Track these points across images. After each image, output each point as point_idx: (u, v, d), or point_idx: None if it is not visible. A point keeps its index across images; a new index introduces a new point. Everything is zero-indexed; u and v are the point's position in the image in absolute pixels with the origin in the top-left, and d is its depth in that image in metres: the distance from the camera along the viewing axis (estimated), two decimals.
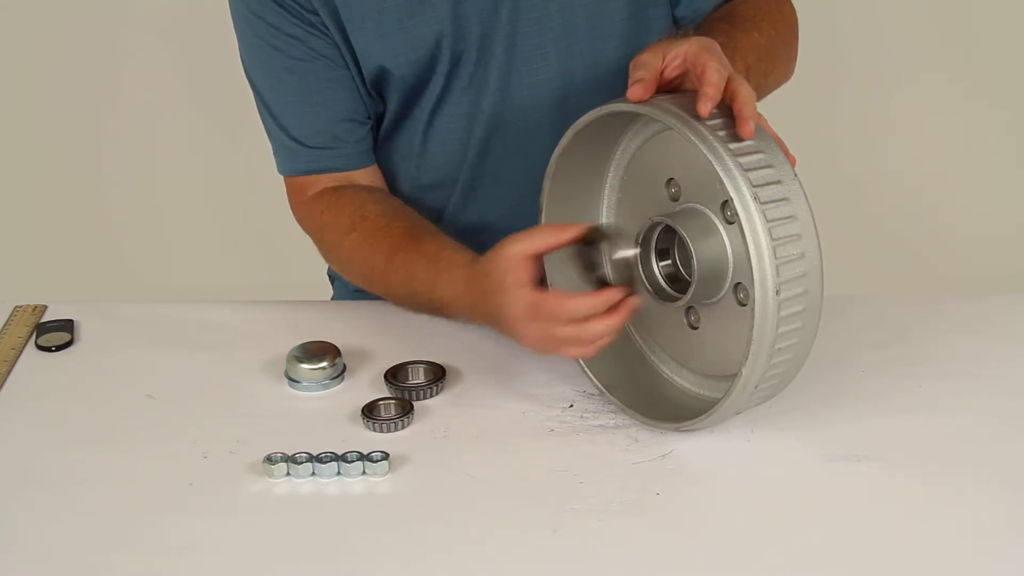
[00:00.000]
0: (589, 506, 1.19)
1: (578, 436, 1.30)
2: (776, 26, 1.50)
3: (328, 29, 1.48)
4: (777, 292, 1.16)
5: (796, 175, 1.20)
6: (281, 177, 1.58)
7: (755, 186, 1.17)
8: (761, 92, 1.48)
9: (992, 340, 1.44)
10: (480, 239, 1.58)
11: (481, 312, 1.35)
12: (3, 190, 2.90)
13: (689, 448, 1.27)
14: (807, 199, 1.19)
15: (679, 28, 1.55)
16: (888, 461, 1.24)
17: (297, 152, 1.53)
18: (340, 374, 1.39)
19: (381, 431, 1.31)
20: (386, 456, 1.25)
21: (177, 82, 2.85)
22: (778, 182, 1.19)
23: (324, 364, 1.38)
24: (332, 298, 1.77)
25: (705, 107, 1.18)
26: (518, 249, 1.28)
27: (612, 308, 1.25)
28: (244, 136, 2.00)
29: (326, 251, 1.55)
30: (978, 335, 1.45)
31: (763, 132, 1.22)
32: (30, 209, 2.91)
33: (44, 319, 1.54)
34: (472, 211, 1.57)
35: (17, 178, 2.90)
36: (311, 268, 2.00)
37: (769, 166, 1.19)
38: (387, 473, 1.25)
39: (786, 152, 1.21)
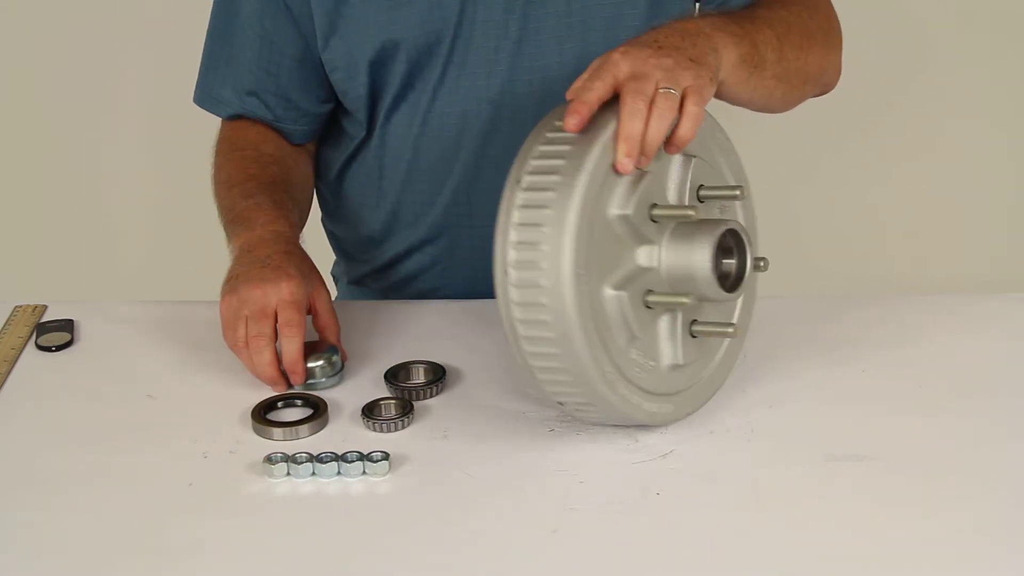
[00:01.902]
0: (589, 506, 1.19)
1: (578, 436, 1.30)
2: (809, 12, 1.49)
3: (301, 20, 1.53)
4: (506, 272, 1.18)
5: (582, 189, 1.17)
6: None
7: (525, 189, 1.18)
8: (803, 72, 1.46)
9: (992, 340, 1.44)
10: (480, 231, 1.58)
11: (260, 252, 1.42)
12: (3, 190, 2.90)
13: (689, 448, 1.27)
14: (578, 216, 1.16)
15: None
16: (888, 461, 1.24)
17: (230, 101, 1.60)
18: (339, 371, 1.39)
19: (381, 431, 1.31)
20: (386, 456, 1.25)
21: (178, 82, 2.85)
22: (549, 189, 1.17)
23: (321, 362, 1.38)
24: (335, 298, 1.77)
25: (567, 121, 1.19)
26: (329, 297, 1.43)
27: (290, 372, 1.37)
28: None
29: (216, 153, 1.61)
30: (978, 335, 1.45)
31: (592, 133, 1.19)
32: (30, 209, 2.91)
33: (44, 319, 1.54)
34: (475, 201, 1.57)
35: (17, 178, 2.90)
36: None
37: (555, 173, 1.18)
38: (387, 473, 1.25)
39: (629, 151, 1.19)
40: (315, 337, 1.43)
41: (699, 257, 1.23)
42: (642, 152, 1.20)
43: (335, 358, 1.39)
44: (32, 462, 1.29)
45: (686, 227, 1.24)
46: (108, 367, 1.45)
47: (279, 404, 1.36)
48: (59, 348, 1.48)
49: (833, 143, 2.82)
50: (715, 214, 1.30)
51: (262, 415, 1.33)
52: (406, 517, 1.20)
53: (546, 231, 1.17)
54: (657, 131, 1.20)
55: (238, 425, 1.33)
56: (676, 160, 1.27)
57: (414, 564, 1.14)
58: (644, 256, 1.24)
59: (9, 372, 1.44)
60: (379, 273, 1.67)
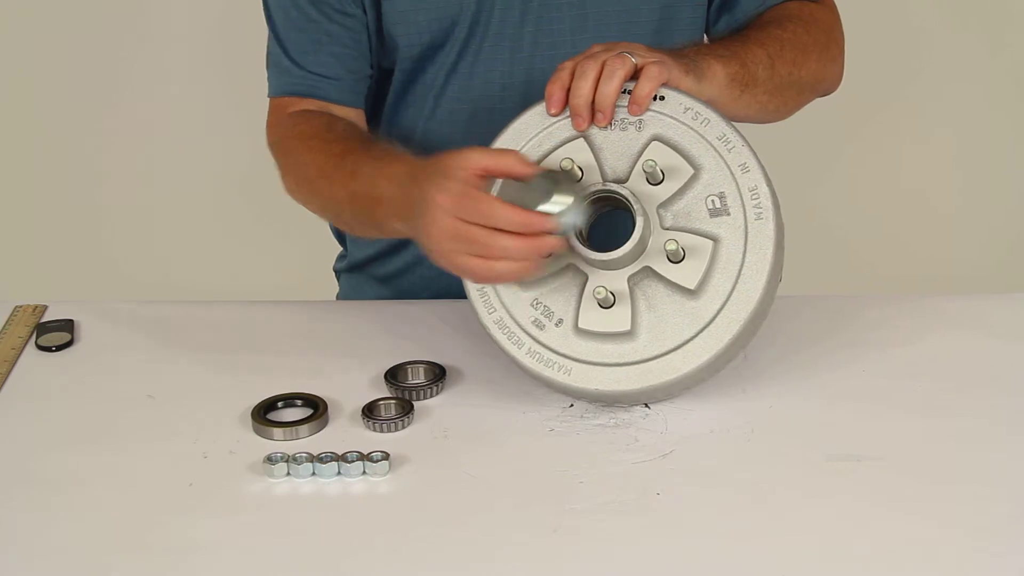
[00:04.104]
0: (589, 506, 1.19)
1: (578, 436, 1.30)
2: (806, 27, 1.52)
3: None
4: None
5: (507, 134, 1.35)
6: (279, 175, 1.58)
7: None
8: (798, 85, 1.49)
9: (992, 340, 1.44)
10: None
11: (408, 202, 1.29)
12: (3, 190, 2.90)
13: (689, 448, 1.27)
14: None
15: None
16: (888, 461, 1.24)
17: (291, 72, 1.54)
18: (572, 194, 1.26)
19: (381, 431, 1.31)
20: (386, 456, 1.25)
21: (177, 82, 2.85)
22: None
23: (559, 204, 1.25)
24: (337, 296, 1.77)
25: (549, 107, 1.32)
26: (480, 158, 1.26)
27: (533, 236, 1.23)
28: (245, 135, 2.00)
29: (284, 156, 1.52)
30: (978, 335, 1.45)
31: None
32: (30, 209, 2.91)
33: (44, 319, 1.54)
34: None
35: (17, 178, 2.90)
36: (314, 268, 2.00)
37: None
38: (387, 473, 1.25)
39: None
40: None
41: (568, 213, 1.28)
42: (597, 110, 1.30)
43: (568, 183, 1.27)
44: (32, 462, 1.29)
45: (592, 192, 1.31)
46: (108, 367, 1.45)
47: (279, 404, 1.36)
48: (59, 348, 1.48)
49: (831, 144, 2.82)
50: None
51: (262, 415, 1.33)
52: (406, 517, 1.20)
53: None
54: (606, 89, 1.30)
55: (238, 425, 1.33)
56: (637, 137, 1.31)
57: (414, 564, 1.14)
58: (545, 205, 1.29)
59: (9, 372, 1.44)
60: (384, 258, 1.67)
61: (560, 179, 1.28)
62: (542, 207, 1.25)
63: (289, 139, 1.52)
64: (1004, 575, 1.11)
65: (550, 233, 1.24)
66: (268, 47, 1.57)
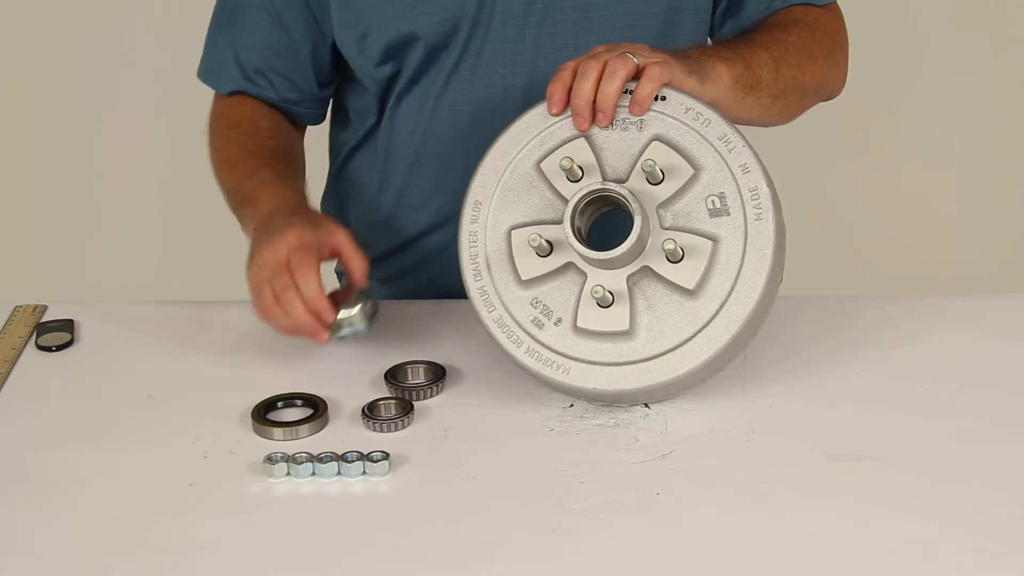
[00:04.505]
0: (589, 506, 1.19)
1: (578, 436, 1.30)
2: (811, 31, 1.52)
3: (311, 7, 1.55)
4: None
5: (506, 138, 1.36)
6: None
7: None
8: (801, 88, 1.49)
9: (992, 340, 1.44)
10: None
11: (273, 219, 1.41)
12: (3, 190, 2.90)
13: (689, 448, 1.27)
14: (494, 159, 1.36)
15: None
16: (888, 461, 1.24)
17: (232, 75, 1.59)
18: (371, 316, 1.39)
19: (381, 431, 1.31)
20: (386, 456, 1.25)
21: (178, 82, 2.85)
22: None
23: (347, 312, 1.37)
24: None
25: (550, 107, 1.34)
26: (346, 240, 1.39)
27: (316, 317, 1.34)
28: None
29: (210, 136, 1.61)
30: (978, 335, 1.45)
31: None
32: (30, 209, 2.91)
33: (44, 319, 1.54)
34: None
35: (17, 178, 2.90)
36: None
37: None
38: (387, 473, 1.25)
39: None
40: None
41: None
42: (598, 110, 1.31)
43: (365, 304, 1.38)
44: (32, 462, 1.29)
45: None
46: (108, 367, 1.45)
47: (279, 404, 1.36)
48: (59, 348, 1.48)
49: (833, 145, 2.82)
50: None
51: (262, 415, 1.33)
52: (406, 517, 1.20)
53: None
54: (607, 89, 1.31)
55: (238, 425, 1.33)
56: (638, 137, 1.32)
57: (414, 564, 1.14)
58: (542, 206, 1.33)
59: (9, 372, 1.44)
60: (385, 259, 1.67)
61: (363, 302, 1.37)
62: (343, 310, 1.36)
63: (215, 121, 1.60)
64: (1004, 575, 1.11)
65: (324, 324, 1.35)
66: (211, 31, 1.60)
